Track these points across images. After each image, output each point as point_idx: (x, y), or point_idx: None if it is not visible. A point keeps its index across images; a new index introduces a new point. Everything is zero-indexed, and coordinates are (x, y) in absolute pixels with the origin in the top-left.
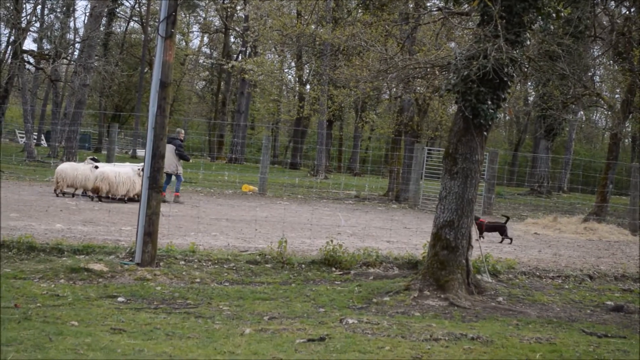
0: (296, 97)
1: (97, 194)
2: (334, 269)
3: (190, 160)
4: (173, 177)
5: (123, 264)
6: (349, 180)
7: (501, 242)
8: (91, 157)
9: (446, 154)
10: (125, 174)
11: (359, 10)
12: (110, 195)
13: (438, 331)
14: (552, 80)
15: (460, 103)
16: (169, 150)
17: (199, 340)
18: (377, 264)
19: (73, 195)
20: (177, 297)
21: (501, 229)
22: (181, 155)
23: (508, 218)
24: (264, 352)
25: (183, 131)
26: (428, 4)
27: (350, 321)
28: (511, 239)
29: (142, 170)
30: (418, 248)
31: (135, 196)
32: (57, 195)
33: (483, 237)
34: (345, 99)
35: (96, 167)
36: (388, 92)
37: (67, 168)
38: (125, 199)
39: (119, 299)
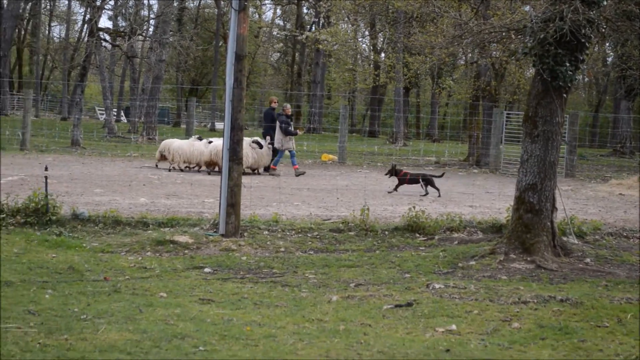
0: (371, 66)
1: (213, 168)
2: (417, 234)
3: (300, 133)
4: (287, 152)
5: (208, 236)
6: (428, 146)
7: (425, 195)
8: (197, 135)
9: (526, 118)
10: None
11: None
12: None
13: (526, 294)
14: (630, 40)
15: (538, 66)
16: (277, 125)
17: (287, 309)
18: (461, 228)
19: (199, 170)
20: (263, 267)
21: (426, 180)
22: (285, 131)
23: (443, 174)
24: (351, 319)
25: (289, 106)
26: None
27: (437, 286)
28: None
29: (255, 142)
30: (501, 212)
31: (247, 169)
32: (170, 170)
33: (396, 190)
34: (421, 65)
35: (210, 142)
36: (464, 57)
37: (184, 144)
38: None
39: (206, 269)
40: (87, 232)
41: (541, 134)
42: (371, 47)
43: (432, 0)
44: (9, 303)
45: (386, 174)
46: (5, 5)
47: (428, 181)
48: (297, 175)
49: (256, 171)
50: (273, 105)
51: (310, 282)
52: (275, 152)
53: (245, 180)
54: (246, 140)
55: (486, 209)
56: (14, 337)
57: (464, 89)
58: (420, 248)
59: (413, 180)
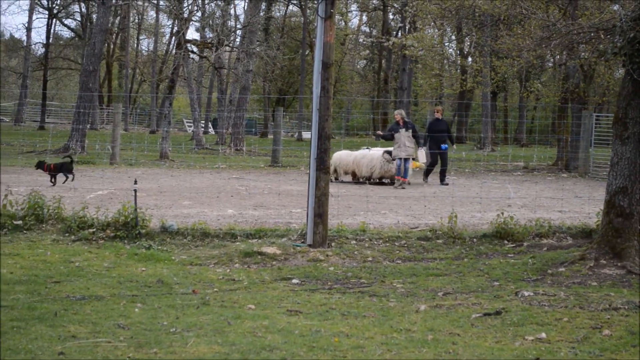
0: (458, 71)
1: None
2: (506, 241)
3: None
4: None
5: (295, 246)
6: (516, 151)
7: (64, 182)
8: (366, 147)
9: (616, 119)
10: (370, 156)
11: None
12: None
13: (617, 300)
14: None
15: (628, 66)
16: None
17: (375, 319)
18: (550, 234)
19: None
20: (351, 277)
21: (65, 168)
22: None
23: (71, 159)
24: (440, 328)
25: (396, 112)
26: None
27: (526, 293)
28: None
29: (389, 154)
30: (591, 217)
31: (379, 179)
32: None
33: (53, 182)
34: (509, 69)
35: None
36: (552, 59)
37: (358, 155)
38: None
39: (293, 280)
40: (175, 244)
41: (632, 136)
42: (458, 52)
43: (519, 2)
44: (99, 317)
45: (35, 167)
46: (94, 20)
47: (66, 169)
48: (395, 185)
49: (388, 181)
50: (437, 115)
51: (398, 292)
52: (435, 161)
53: (332, 189)
54: (379, 152)
55: (575, 213)
56: (105, 351)
57: (552, 91)
58: (509, 255)
59: (57, 169)
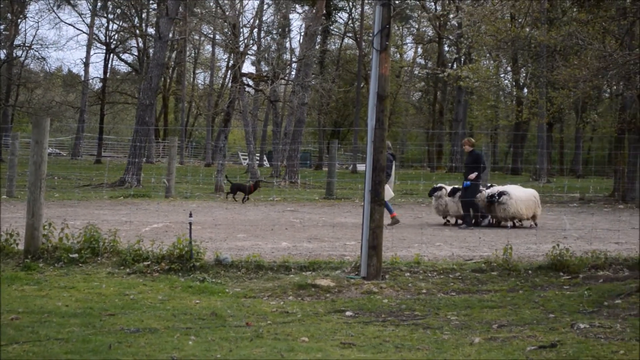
0: (514, 102)
1: None
2: (561, 273)
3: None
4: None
5: (349, 279)
6: (572, 182)
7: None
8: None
9: None
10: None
11: (574, 9)
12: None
13: None
14: None
15: None
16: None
17: (429, 352)
18: (606, 266)
19: None
20: (404, 309)
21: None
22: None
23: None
24: None
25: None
26: None
27: (582, 326)
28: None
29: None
30: None
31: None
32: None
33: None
34: (565, 100)
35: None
36: (609, 90)
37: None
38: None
39: (347, 313)
40: (229, 277)
41: None
42: (513, 83)
43: (575, 33)
44: (153, 350)
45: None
46: (151, 55)
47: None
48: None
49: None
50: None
51: (452, 324)
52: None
53: (386, 221)
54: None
55: (633, 245)
56: None
57: (609, 122)
58: (565, 287)
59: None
